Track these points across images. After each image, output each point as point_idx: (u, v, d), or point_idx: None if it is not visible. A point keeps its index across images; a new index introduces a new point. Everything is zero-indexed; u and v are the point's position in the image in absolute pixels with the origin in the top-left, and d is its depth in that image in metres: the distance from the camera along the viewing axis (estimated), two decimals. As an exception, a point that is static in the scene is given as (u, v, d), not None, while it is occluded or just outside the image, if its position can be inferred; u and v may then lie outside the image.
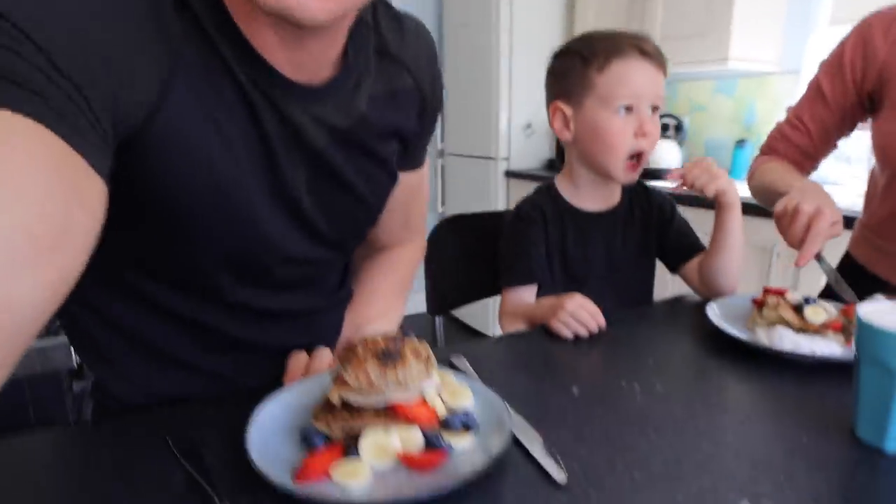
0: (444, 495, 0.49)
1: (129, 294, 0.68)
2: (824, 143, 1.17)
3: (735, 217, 0.99)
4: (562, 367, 0.79)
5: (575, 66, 1.00)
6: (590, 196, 1.08)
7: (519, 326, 0.99)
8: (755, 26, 2.36)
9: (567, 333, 0.85)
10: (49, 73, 0.43)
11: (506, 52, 3.03)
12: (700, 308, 0.94)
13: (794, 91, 2.45)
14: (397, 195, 0.81)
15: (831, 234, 0.87)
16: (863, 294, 0.90)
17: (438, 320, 1.25)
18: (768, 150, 1.24)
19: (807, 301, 0.80)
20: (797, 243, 0.88)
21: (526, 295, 1.04)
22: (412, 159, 0.82)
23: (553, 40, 3.09)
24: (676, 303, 1.05)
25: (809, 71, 2.36)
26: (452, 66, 3.46)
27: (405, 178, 0.81)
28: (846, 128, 1.16)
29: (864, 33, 1.07)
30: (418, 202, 0.90)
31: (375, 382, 0.52)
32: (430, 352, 0.57)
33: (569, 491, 0.50)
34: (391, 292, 0.87)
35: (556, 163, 3.15)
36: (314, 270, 0.78)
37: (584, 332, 0.85)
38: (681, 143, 2.82)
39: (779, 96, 2.51)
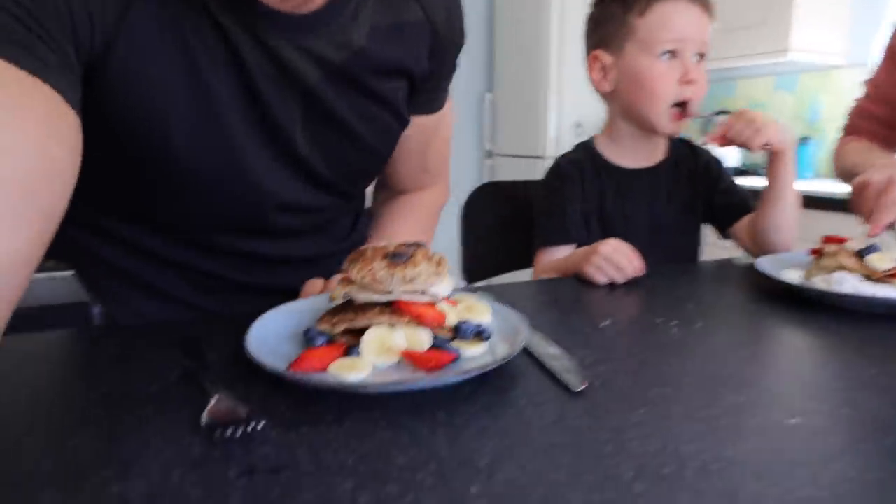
0: (448, 391, 0.45)
1: (124, 241, 0.67)
2: None
3: (787, 166, 0.91)
4: (593, 306, 0.74)
5: (614, 12, 0.96)
6: (631, 152, 1.03)
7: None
8: (819, 16, 2.25)
9: (601, 278, 0.80)
10: (10, 9, 0.41)
11: (556, 51, 2.99)
12: (752, 268, 0.87)
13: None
14: (413, 138, 0.77)
15: None
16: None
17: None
18: (851, 129, 1.17)
19: (870, 249, 0.72)
20: (868, 215, 0.82)
21: (560, 256, 0.99)
22: (427, 103, 0.76)
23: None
24: (725, 264, 0.97)
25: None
26: (502, 66, 3.45)
27: (421, 121, 0.76)
28: None
29: None
30: (437, 145, 0.84)
31: (381, 279, 0.49)
32: (445, 258, 0.54)
33: (586, 398, 0.45)
34: (411, 236, 0.84)
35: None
36: (318, 217, 0.74)
37: (619, 278, 0.80)
38: (738, 143, 2.70)
39: (845, 91, 2.38)
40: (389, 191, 0.87)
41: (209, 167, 0.59)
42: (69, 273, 0.92)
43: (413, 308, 0.49)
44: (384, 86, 0.66)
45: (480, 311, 0.56)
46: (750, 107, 2.78)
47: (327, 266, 0.78)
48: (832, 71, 2.42)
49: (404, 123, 0.73)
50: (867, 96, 1.13)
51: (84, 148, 0.48)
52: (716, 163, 1.06)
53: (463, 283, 1.21)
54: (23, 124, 0.40)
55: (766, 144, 0.89)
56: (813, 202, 1.82)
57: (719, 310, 0.71)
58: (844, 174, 1.10)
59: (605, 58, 0.98)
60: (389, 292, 0.50)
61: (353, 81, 0.63)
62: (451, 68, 0.76)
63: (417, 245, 0.54)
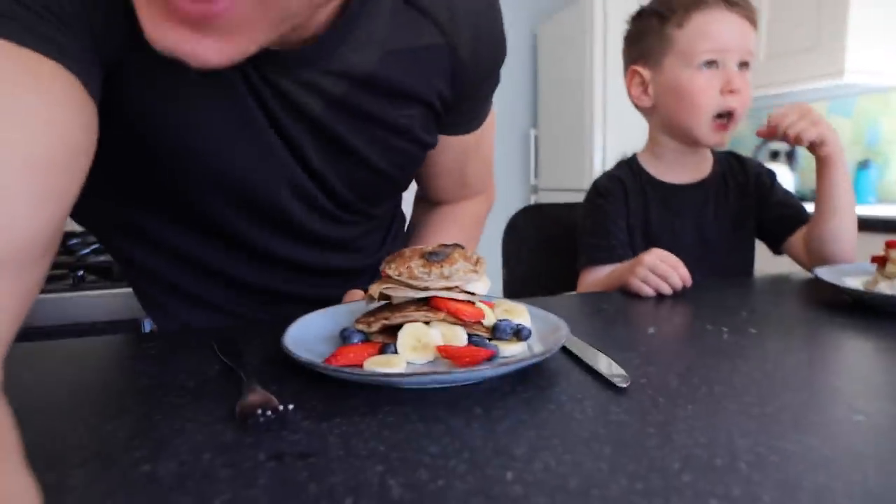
0: (485, 387, 0.44)
1: (169, 250, 0.68)
2: None
3: (843, 172, 0.87)
4: (638, 316, 0.71)
5: (652, 25, 0.95)
6: (676, 167, 1.00)
7: (597, 300, 0.91)
8: (874, 36, 2.17)
9: (648, 290, 0.77)
10: (29, 5, 0.42)
11: (599, 84, 2.99)
12: (809, 282, 0.82)
13: (926, 106, 2.22)
14: (449, 157, 0.75)
15: None
16: None
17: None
18: None
19: (942, 252, 0.68)
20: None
21: (605, 276, 0.96)
22: (461, 124, 0.73)
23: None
24: (781, 278, 0.93)
25: (943, 83, 2.14)
26: (546, 102, 3.47)
27: (457, 140, 0.74)
28: None
29: None
30: (476, 162, 0.81)
31: (418, 275, 0.49)
32: (483, 258, 0.53)
33: (630, 396, 0.43)
34: (455, 240, 0.82)
35: (654, 195, 3.02)
36: (345, 231, 0.73)
37: (666, 289, 0.76)
38: (794, 170, 2.61)
39: (906, 113, 2.28)
40: (429, 202, 0.86)
41: (229, 158, 0.59)
42: (122, 290, 0.95)
43: (450, 304, 0.48)
44: (395, 112, 0.64)
45: (519, 313, 0.54)
46: (804, 133, 2.69)
47: (366, 278, 0.79)
48: (891, 92, 2.33)
49: (426, 147, 0.70)
50: None
51: (113, 146, 0.49)
52: (767, 175, 1.02)
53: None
54: (46, 102, 0.41)
55: (819, 141, 0.85)
56: (873, 225, 1.73)
57: (774, 318, 0.67)
58: None
59: (645, 72, 0.97)
60: (426, 288, 0.49)
61: (357, 110, 0.61)
62: (486, 89, 0.73)
63: (456, 245, 0.53)
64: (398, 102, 0.63)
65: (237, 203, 0.63)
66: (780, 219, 0.99)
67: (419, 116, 0.66)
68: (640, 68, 0.98)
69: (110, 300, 0.94)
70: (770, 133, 0.87)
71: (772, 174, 1.03)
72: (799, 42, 2.31)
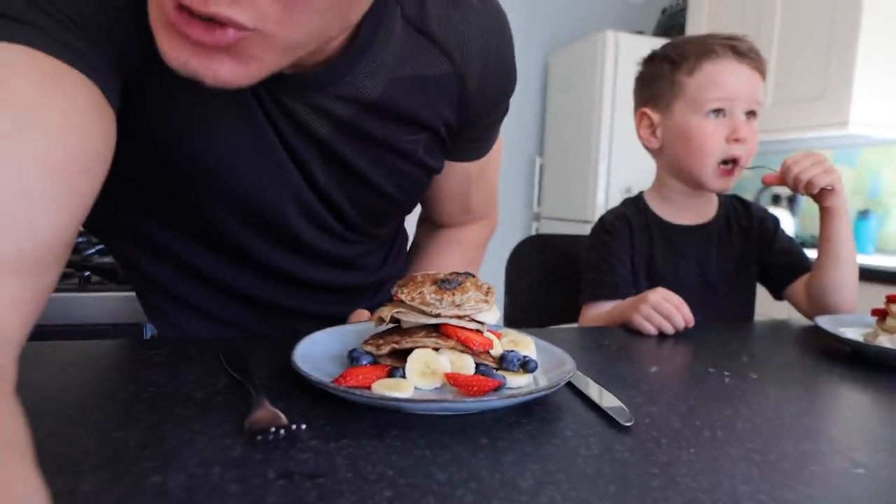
0: (491, 417, 0.44)
1: (169, 258, 0.69)
2: None
3: (843, 219, 0.89)
4: (640, 354, 0.71)
5: (663, 71, 0.97)
6: (681, 209, 1.02)
7: (598, 335, 0.92)
8: (880, 88, 2.21)
9: (650, 328, 0.78)
10: (45, 8, 0.43)
11: (607, 117, 3.03)
12: (809, 329, 0.83)
13: (928, 161, 2.25)
14: (454, 182, 0.76)
15: None
16: None
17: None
18: None
19: (940, 310, 0.69)
20: None
21: (607, 312, 0.97)
22: (467, 151, 0.74)
23: (657, 108, 3.06)
24: (781, 323, 0.93)
25: (945, 139, 2.17)
26: (553, 131, 3.51)
27: (462, 166, 0.75)
28: None
29: None
30: (481, 188, 0.82)
31: (430, 302, 0.49)
32: (493, 288, 0.54)
33: (634, 435, 0.44)
34: (454, 269, 0.82)
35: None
36: (349, 249, 0.74)
37: (668, 328, 0.77)
38: (795, 215, 2.64)
39: (908, 166, 2.32)
40: (432, 224, 0.87)
41: (240, 173, 0.60)
42: (126, 294, 0.96)
43: (460, 332, 0.49)
44: (401, 137, 0.64)
45: (525, 344, 0.55)
46: (806, 179, 2.72)
47: (367, 295, 0.79)
48: (895, 145, 2.36)
49: (431, 172, 0.71)
50: None
51: (126, 156, 0.50)
52: (772, 221, 1.04)
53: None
54: (67, 107, 0.42)
55: (830, 188, 0.86)
56: (873, 275, 1.74)
57: (775, 364, 0.68)
58: None
59: (654, 115, 0.99)
60: (437, 315, 0.50)
61: (364, 134, 0.62)
62: (493, 119, 0.74)
63: (468, 274, 0.54)
64: (405, 128, 0.64)
65: (244, 217, 0.64)
66: (783, 266, 1.00)
67: (425, 142, 0.67)
68: (649, 111, 1.00)
69: (114, 303, 0.94)
70: (779, 180, 0.88)
71: (775, 220, 1.04)
72: (805, 91, 2.34)
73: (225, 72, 0.43)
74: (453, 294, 0.50)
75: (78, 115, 0.43)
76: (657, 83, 0.98)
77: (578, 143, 3.21)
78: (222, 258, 0.69)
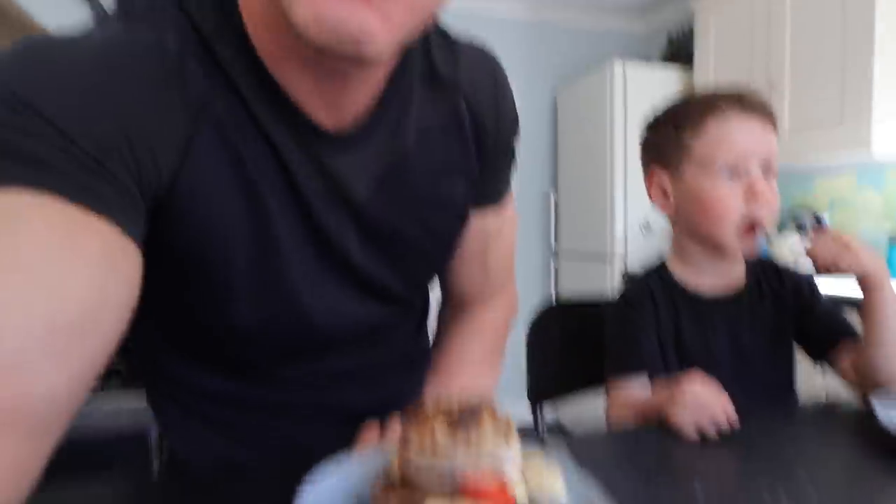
0: None
1: (175, 374, 0.67)
2: None
3: (885, 297, 0.81)
4: (682, 466, 0.65)
5: (668, 133, 0.92)
6: (707, 274, 0.95)
7: (630, 423, 0.85)
8: (900, 110, 2.14)
9: (689, 428, 0.70)
10: (69, 151, 0.41)
11: (620, 150, 2.99)
12: (863, 417, 0.76)
13: (959, 181, 2.16)
14: (473, 239, 0.73)
15: None
16: None
17: (539, 410, 1.12)
18: None
19: None
20: None
21: (635, 388, 0.90)
22: (485, 196, 0.73)
23: (671, 138, 3.02)
24: (830, 408, 0.85)
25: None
26: (566, 166, 3.47)
27: (480, 221, 0.73)
28: None
29: None
30: (498, 247, 0.78)
31: (442, 444, 0.44)
32: (512, 421, 0.48)
33: None
34: (479, 360, 0.77)
35: (677, 262, 2.97)
36: (372, 335, 0.70)
37: (711, 428, 0.70)
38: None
39: (938, 187, 2.23)
40: (454, 306, 0.82)
41: (263, 288, 0.58)
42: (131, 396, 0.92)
43: (478, 487, 0.43)
44: (437, 188, 0.64)
45: (551, 478, 0.49)
46: (831, 203, 2.64)
47: (381, 381, 0.75)
48: (921, 167, 2.28)
49: (463, 221, 0.70)
50: None
51: (148, 278, 0.47)
52: (807, 285, 0.97)
53: (529, 407, 1.13)
54: (77, 262, 0.40)
55: (857, 268, 0.80)
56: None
57: (834, 471, 0.61)
58: None
59: (664, 178, 0.94)
60: (451, 459, 0.44)
61: (402, 189, 0.61)
62: (508, 160, 0.73)
63: (483, 405, 0.49)
64: (437, 177, 0.64)
65: (259, 317, 0.60)
66: (823, 332, 0.93)
67: (457, 188, 0.67)
68: (659, 174, 0.95)
69: (118, 406, 0.90)
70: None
71: (811, 283, 0.97)
72: (823, 115, 2.28)
73: (375, 25, 0.43)
74: (468, 431, 0.45)
75: (88, 268, 0.40)
76: (663, 147, 0.93)
77: (593, 175, 3.16)
78: (224, 378, 0.66)
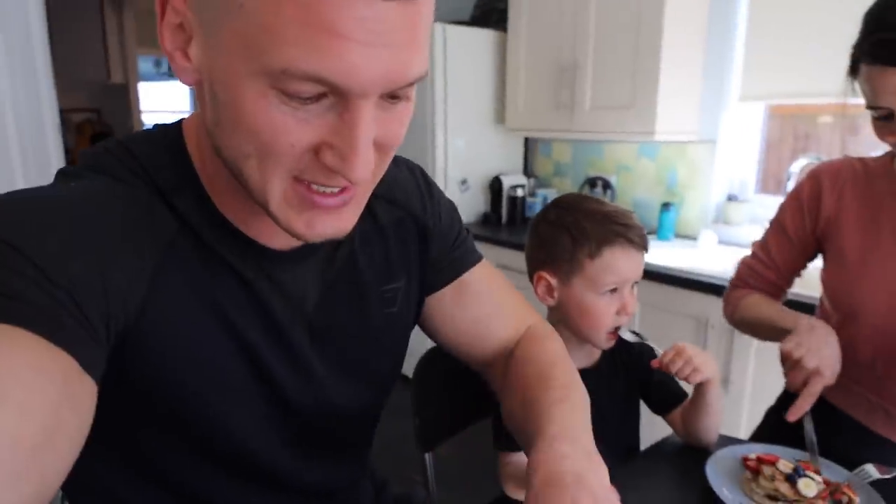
0: None
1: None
2: (791, 275, 1.25)
3: (716, 390, 1.04)
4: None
5: (564, 244, 1.04)
6: (574, 353, 1.09)
7: (523, 491, 1.00)
8: (677, 101, 2.54)
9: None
10: (38, 282, 0.45)
11: (441, 109, 3.07)
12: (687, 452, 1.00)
13: (711, 158, 2.66)
14: (477, 296, 0.82)
15: (826, 383, 0.95)
16: (822, 424, 0.99)
17: (429, 458, 1.24)
18: (741, 283, 1.29)
19: (797, 472, 0.88)
20: (794, 391, 0.98)
21: (520, 457, 1.04)
22: (451, 269, 0.80)
23: (485, 112, 3.22)
24: (665, 444, 1.11)
25: (723, 140, 2.59)
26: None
27: (465, 284, 0.81)
28: (808, 259, 1.24)
29: (817, 181, 1.16)
30: (497, 295, 0.85)
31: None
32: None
33: None
34: (557, 399, 0.77)
35: (490, 217, 3.23)
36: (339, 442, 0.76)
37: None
38: (611, 200, 2.97)
39: (697, 162, 2.72)
40: (490, 370, 0.87)
41: (237, 410, 0.63)
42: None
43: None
44: (383, 285, 0.73)
45: None
46: (617, 169, 3.07)
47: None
48: (686, 145, 2.74)
49: (411, 319, 0.79)
50: (755, 257, 1.27)
51: (118, 416, 0.54)
52: (648, 354, 1.14)
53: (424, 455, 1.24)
54: (38, 385, 0.42)
55: (704, 377, 1.01)
56: (681, 281, 2.10)
57: None
58: (754, 325, 1.22)
59: (553, 280, 1.08)
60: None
61: (351, 288, 0.70)
62: (457, 241, 0.82)
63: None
64: (383, 274, 0.73)
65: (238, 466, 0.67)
66: (662, 399, 1.16)
67: (401, 288, 0.75)
68: (547, 276, 1.08)
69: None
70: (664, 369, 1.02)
71: (652, 354, 1.13)
72: (618, 101, 2.60)
73: (345, 223, 0.56)
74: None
75: (49, 390, 0.42)
76: (557, 252, 1.06)
77: (415, 140, 3.22)
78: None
